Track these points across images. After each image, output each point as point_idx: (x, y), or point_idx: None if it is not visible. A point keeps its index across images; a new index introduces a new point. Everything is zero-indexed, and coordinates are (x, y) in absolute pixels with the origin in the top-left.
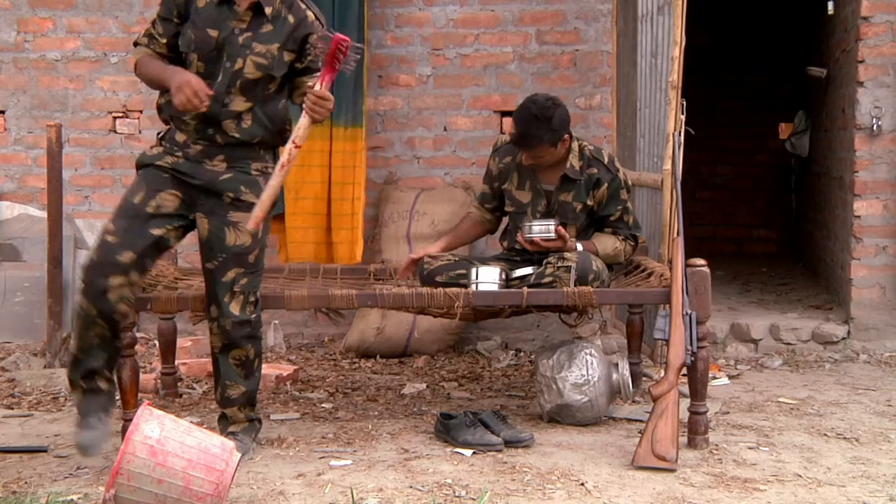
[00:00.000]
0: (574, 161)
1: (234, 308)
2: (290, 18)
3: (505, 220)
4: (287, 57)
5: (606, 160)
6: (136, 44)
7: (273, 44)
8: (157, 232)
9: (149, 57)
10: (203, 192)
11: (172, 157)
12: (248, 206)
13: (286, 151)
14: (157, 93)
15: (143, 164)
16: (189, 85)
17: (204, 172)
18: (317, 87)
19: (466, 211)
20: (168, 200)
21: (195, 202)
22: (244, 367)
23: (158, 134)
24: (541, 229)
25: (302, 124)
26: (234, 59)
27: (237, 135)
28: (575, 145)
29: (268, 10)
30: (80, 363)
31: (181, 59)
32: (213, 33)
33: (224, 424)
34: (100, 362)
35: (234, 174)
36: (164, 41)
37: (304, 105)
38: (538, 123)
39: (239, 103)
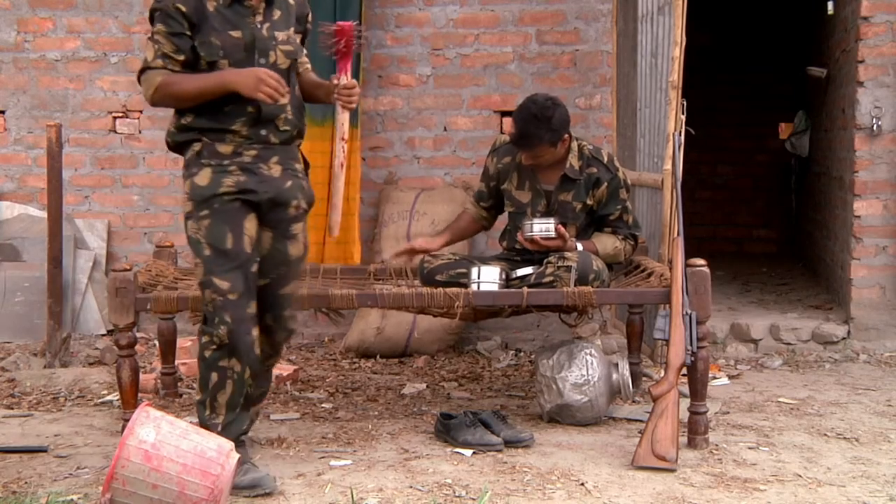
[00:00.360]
0: (573, 161)
1: (291, 322)
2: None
3: (504, 219)
4: (297, 38)
5: (606, 159)
6: (145, 69)
7: (289, 28)
8: (256, 267)
9: (175, 76)
10: (270, 205)
11: (229, 175)
12: (303, 215)
13: (340, 150)
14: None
15: (204, 198)
16: (266, 76)
17: (268, 182)
18: (342, 80)
19: (463, 207)
20: (252, 229)
21: (263, 217)
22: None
23: (190, 157)
24: (541, 228)
25: (342, 119)
26: (266, 54)
27: (287, 128)
28: (574, 145)
29: None
30: (229, 427)
31: (195, 72)
32: (237, 34)
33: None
34: (247, 423)
35: (292, 181)
36: (182, 58)
37: (337, 101)
38: (538, 123)
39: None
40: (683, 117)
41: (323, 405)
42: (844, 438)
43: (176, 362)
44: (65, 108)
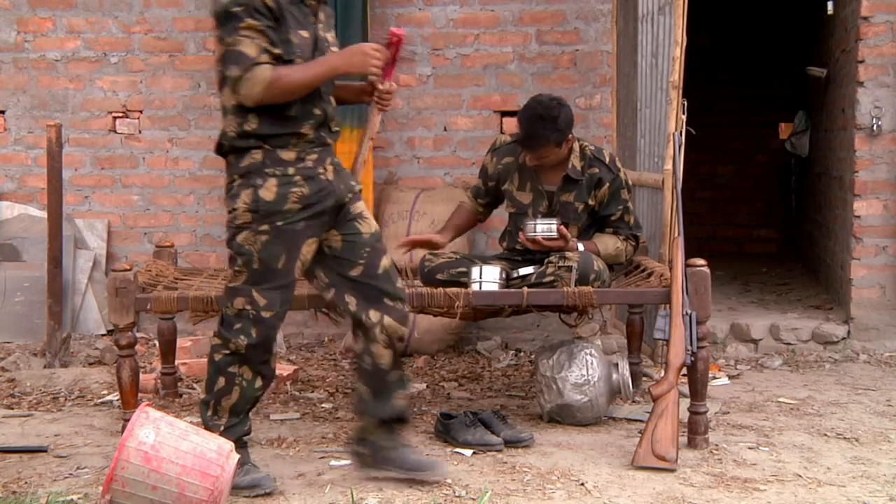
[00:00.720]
0: (575, 161)
1: (402, 291)
2: None
3: (504, 219)
4: None
5: (608, 160)
6: (251, 66)
7: (332, 30)
8: (294, 290)
9: (282, 68)
10: (333, 210)
11: (293, 187)
12: (359, 194)
13: (366, 148)
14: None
15: (268, 213)
16: (370, 48)
17: (327, 189)
18: (386, 84)
19: (458, 201)
20: (308, 253)
21: (328, 221)
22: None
23: (249, 165)
24: (543, 228)
25: (375, 120)
26: (324, 54)
27: (337, 128)
28: (576, 146)
29: None
30: (231, 430)
31: None
32: (306, 34)
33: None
34: (248, 426)
35: (340, 173)
36: (277, 52)
37: (374, 103)
38: (544, 124)
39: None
40: (684, 117)
41: (323, 405)
42: (844, 438)
43: (176, 362)
44: (65, 108)
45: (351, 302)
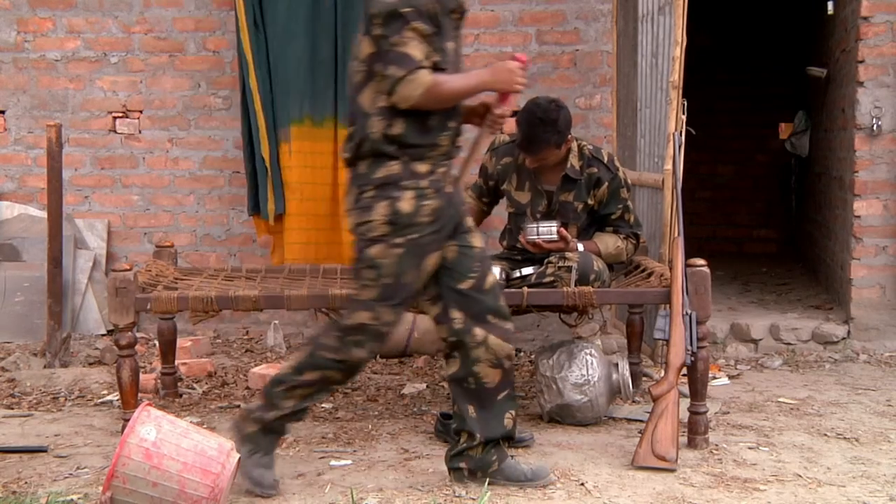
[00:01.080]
0: (574, 161)
1: (506, 309)
2: None
3: (504, 218)
4: None
5: (606, 159)
6: (416, 68)
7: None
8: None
9: (440, 76)
10: (453, 224)
11: (427, 200)
12: (466, 211)
13: (468, 170)
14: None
15: (404, 226)
16: (516, 66)
17: (451, 203)
18: (502, 109)
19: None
20: (432, 265)
21: (446, 239)
22: None
23: (386, 176)
24: (543, 231)
25: (484, 143)
26: (460, 66)
27: (460, 143)
28: (574, 145)
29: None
30: (293, 416)
31: None
32: (452, 45)
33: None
34: (301, 418)
35: (459, 193)
36: (437, 58)
37: (486, 125)
38: (544, 127)
39: None
40: (684, 117)
41: (323, 405)
42: (844, 438)
43: (176, 362)
44: (65, 108)
45: (456, 318)
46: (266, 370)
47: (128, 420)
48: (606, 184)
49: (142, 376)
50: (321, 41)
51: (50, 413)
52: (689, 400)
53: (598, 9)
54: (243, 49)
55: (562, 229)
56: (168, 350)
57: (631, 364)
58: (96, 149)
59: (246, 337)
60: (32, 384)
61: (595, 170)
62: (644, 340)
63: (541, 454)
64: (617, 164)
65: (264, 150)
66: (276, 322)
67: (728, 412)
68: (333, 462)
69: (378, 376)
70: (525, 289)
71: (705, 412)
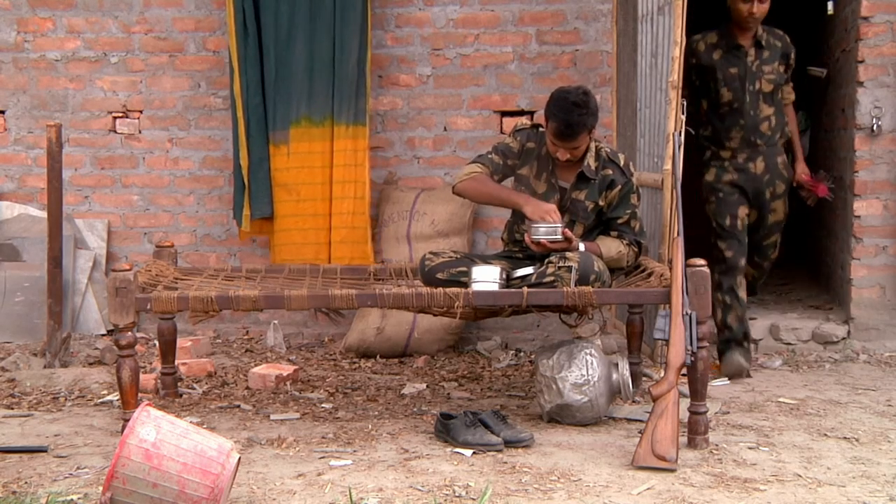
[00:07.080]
0: (591, 160)
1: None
2: None
3: (504, 218)
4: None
5: (622, 163)
6: None
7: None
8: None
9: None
10: (755, 193)
11: (726, 173)
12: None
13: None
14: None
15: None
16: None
17: (751, 178)
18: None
19: (471, 172)
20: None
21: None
22: None
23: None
24: (547, 231)
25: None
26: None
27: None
28: (592, 145)
29: None
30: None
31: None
32: (734, 70)
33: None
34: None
35: (770, 173)
36: None
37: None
38: (579, 110)
39: None
40: (683, 117)
41: (323, 405)
42: (844, 438)
43: (176, 362)
44: (65, 108)
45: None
46: (266, 370)
47: (128, 420)
48: (619, 187)
49: (142, 376)
50: (320, 41)
51: (50, 413)
52: (689, 400)
53: (598, 9)
54: (230, 54)
55: (566, 230)
56: (168, 350)
57: (631, 364)
58: (96, 149)
59: (246, 337)
60: (32, 384)
61: (610, 172)
62: (644, 340)
63: (541, 454)
64: (632, 169)
65: (243, 157)
66: (276, 322)
67: (728, 412)
68: (333, 462)
69: (378, 376)
70: (525, 289)
71: (705, 412)
